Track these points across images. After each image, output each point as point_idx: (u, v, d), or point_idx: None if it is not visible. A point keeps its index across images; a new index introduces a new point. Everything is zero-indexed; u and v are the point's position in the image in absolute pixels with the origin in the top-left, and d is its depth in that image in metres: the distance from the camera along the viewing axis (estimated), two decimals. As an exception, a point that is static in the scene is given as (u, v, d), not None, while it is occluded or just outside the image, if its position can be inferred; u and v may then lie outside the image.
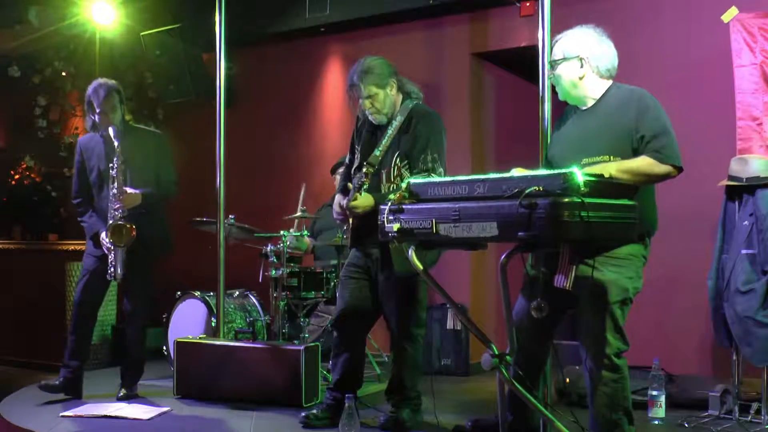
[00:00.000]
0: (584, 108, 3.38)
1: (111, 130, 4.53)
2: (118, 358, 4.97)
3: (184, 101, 7.14)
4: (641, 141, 3.14)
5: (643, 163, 3.08)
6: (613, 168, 3.01)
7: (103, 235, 4.53)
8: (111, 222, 4.46)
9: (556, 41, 3.41)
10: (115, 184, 4.49)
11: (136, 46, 7.10)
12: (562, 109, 3.54)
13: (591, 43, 3.33)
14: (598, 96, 3.34)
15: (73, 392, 4.62)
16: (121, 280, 4.53)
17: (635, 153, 3.15)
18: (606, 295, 3.09)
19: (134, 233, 4.44)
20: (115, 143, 4.49)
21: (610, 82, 3.36)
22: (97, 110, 4.60)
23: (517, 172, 2.98)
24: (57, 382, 4.61)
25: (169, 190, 4.77)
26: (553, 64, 3.38)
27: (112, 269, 4.49)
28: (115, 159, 4.50)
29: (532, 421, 3.49)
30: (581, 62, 3.30)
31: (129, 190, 4.51)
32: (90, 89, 4.66)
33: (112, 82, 4.70)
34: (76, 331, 4.67)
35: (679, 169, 3.14)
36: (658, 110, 3.20)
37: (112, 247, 4.47)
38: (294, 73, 6.99)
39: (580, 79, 3.32)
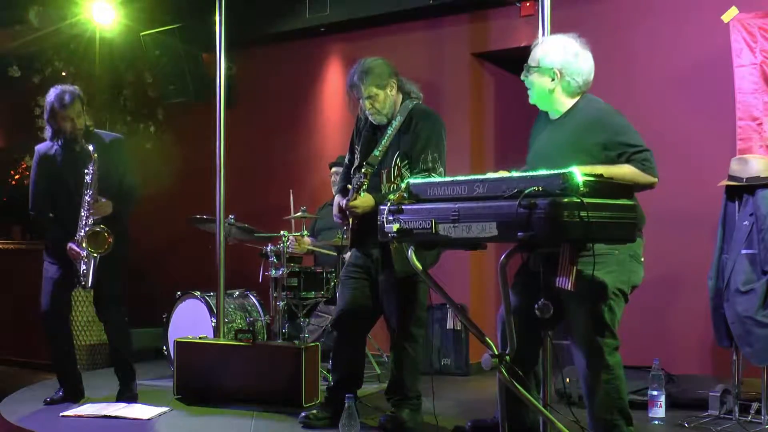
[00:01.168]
0: (554, 118, 3.40)
1: (80, 137, 4.42)
2: (112, 362, 4.94)
3: (184, 101, 7.14)
4: (622, 155, 3.15)
5: (629, 171, 3.11)
6: (599, 171, 3.01)
7: (71, 244, 4.38)
8: (87, 229, 4.36)
9: (536, 44, 3.40)
10: (90, 191, 4.37)
11: (136, 46, 7.09)
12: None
13: (569, 58, 3.30)
14: (565, 109, 3.35)
15: (77, 397, 4.61)
16: (93, 292, 4.47)
17: None
18: (587, 294, 3.09)
19: (111, 240, 4.34)
20: (90, 148, 4.37)
21: (580, 96, 3.36)
22: (63, 116, 4.42)
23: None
24: (60, 395, 4.59)
25: (132, 195, 4.65)
26: (528, 69, 3.36)
27: (83, 278, 4.37)
28: (90, 165, 4.38)
29: (528, 421, 3.50)
30: (554, 76, 3.30)
31: (103, 199, 4.40)
32: (52, 96, 4.47)
33: (74, 87, 4.54)
34: (56, 344, 4.59)
35: (656, 182, 3.18)
36: (629, 128, 3.24)
37: (85, 255, 4.35)
38: (294, 73, 6.98)
39: (550, 92, 3.33)
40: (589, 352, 3.16)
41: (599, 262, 3.09)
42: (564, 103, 3.35)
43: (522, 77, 3.44)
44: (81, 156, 4.44)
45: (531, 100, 3.43)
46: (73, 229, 4.40)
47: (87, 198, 4.39)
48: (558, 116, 3.38)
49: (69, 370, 4.66)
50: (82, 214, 4.39)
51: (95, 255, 4.36)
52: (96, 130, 4.67)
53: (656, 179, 3.16)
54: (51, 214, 4.55)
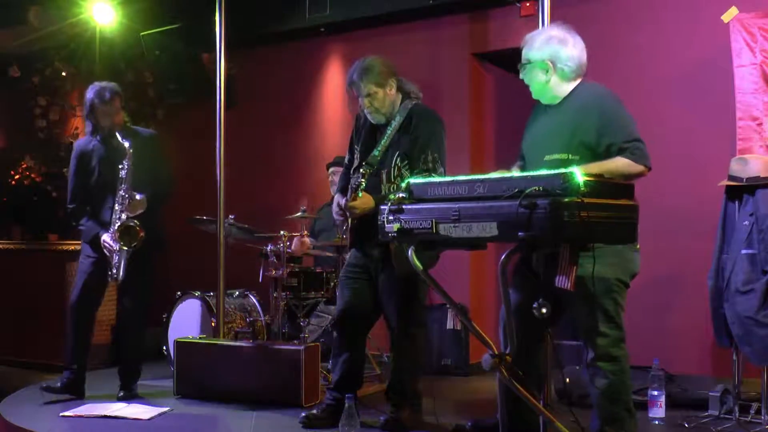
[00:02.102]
0: (552, 105, 3.44)
1: (118, 134, 4.55)
2: (117, 358, 4.96)
3: (184, 101, 7.13)
4: (612, 146, 3.18)
5: (621, 163, 3.15)
6: (594, 168, 3.03)
7: (105, 237, 4.51)
8: (120, 223, 4.47)
9: (524, 43, 3.44)
10: (124, 186, 4.50)
11: (136, 46, 7.09)
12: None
13: (554, 46, 3.36)
14: (565, 95, 3.40)
15: (76, 392, 4.63)
16: (121, 282, 4.54)
17: (592, 157, 3.19)
18: (589, 289, 3.10)
19: (142, 234, 4.46)
20: (126, 144, 4.50)
21: (578, 80, 3.40)
22: (103, 112, 4.57)
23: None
24: (59, 384, 4.61)
25: (166, 189, 4.79)
26: (524, 66, 3.42)
27: (114, 270, 4.49)
28: (125, 161, 4.51)
29: (528, 421, 3.49)
30: (546, 67, 3.35)
31: (137, 196, 4.52)
32: (92, 92, 4.62)
33: (114, 84, 4.69)
34: (75, 334, 4.67)
35: (650, 169, 3.22)
36: (624, 114, 3.28)
37: (117, 248, 4.47)
38: (294, 73, 6.98)
39: (546, 83, 3.37)
40: (594, 346, 3.19)
41: (597, 256, 3.10)
42: (562, 90, 3.39)
43: (521, 76, 3.48)
44: (118, 151, 4.56)
45: (534, 96, 3.48)
46: (107, 223, 4.54)
47: (121, 192, 4.51)
48: (556, 102, 3.42)
49: (79, 366, 4.69)
50: (116, 208, 4.51)
51: (126, 249, 4.46)
52: (133, 126, 4.83)
53: (645, 168, 3.19)
54: (88, 208, 4.68)
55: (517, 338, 3.08)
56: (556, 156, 3.25)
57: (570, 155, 3.22)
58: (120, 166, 4.52)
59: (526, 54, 3.41)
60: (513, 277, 3.43)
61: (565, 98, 3.39)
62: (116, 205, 4.51)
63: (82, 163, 4.71)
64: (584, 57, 3.39)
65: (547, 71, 3.35)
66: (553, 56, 3.34)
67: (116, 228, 4.47)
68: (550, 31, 3.41)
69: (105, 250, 4.53)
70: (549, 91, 3.40)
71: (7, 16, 6.70)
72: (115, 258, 4.49)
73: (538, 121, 3.49)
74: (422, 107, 4.01)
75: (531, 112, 3.61)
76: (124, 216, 4.48)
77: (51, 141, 7.60)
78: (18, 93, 7.67)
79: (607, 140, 3.19)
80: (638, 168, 3.17)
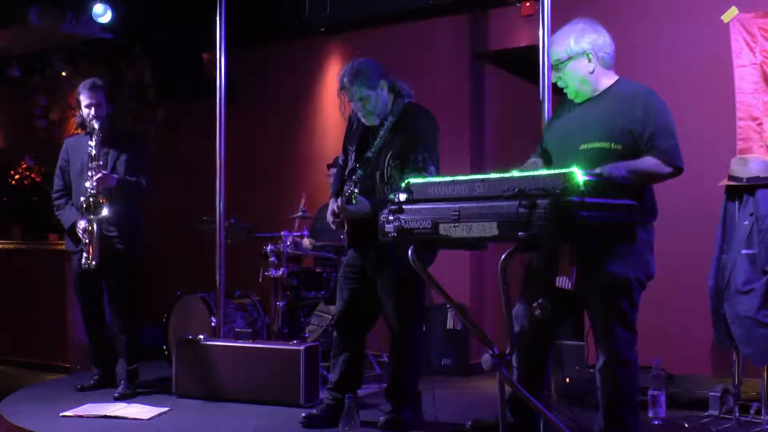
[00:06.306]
0: (588, 98, 3.39)
1: (95, 123, 4.67)
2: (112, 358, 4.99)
3: (184, 101, 7.13)
4: (648, 140, 3.17)
5: (651, 164, 3.14)
6: (623, 169, 3.03)
7: (80, 223, 4.62)
8: (85, 197, 4.60)
9: (553, 42, 3.41)
10: (93, 163, 4.60)
11: (136, 46, 7.09)
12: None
13: (591, 35, 3.34)
14: (604, 88, 3.35)
15: (109, 382, 4.83)
16: (107, 284, 4.66)
17: (635, 146, 3.18)
18: (608, 289, 3.11)
19: (106, 203, 4.55)
20: (96, 125, 4.64)
21: (614, 74, 3.38)
22: (83, 107, 4.73)
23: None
24: (91, 382, 4.84)
25: (143, 187, 4.81)
26: (559, 66, 3.35)
27: (86, 255, 4.59)
28: (100, 144, 4.63)
29: (535, 423, 3.50)
30: (588, 57, 3.31)
31: (105, 172, 4.63)
32: (79, 86, 4.79)
33: (98, 80, 4.81)
34: (89, 335, 4.93)
35: (681, 171, 3.20)
36: (666, 112, 3.24)
37: (86, 226, 4.58)
38: (294, 73, 6.98)
39: (591, 73, 3.32)
40: (607, 348, 3.18)
41: (619, 257, 3.10)
42: (602, 81, 3.35)
43: (554, 80, 3.43)
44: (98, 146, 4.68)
45: (570, 96, 3.42)
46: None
47: (90, 173, 4.61)
48: (595, 95, 3.37)
49: (104, 358, 4.89)
50: (88, 185, 4.61)
51: (94, 217, 4.56)
52: (120, 129, 5.03)
53: (674, 169, 3.17)
54: (69, 199, 4.83)
55: (529, 342, 3.08)
56: (595, 145, 3.21)
57: (612, 144, 3.19)
58: (91, 152, 4.63)
59: (560, 53, 3.34)
60: (523, 285, 3.42)
61: (606, 90, 3.34)
62: (89, 183, 4.62)
63: (68, 159, 4.87)
64: (614, 46, 3.38)
65: (590, 60, 3.31)
66: (594, 45, 3.31)
67: (82, 200, 4.60)
68: (578, 24, 3.37)
69: (80, 236, 4.64)
70: (591, 84, 3.33)
71: (7, 16, 6.70)
72: (86, 239, 4.59)
73: (570, 112, 3.42)
74: (414, 106, 3.97)
75: (555, 110, 3.57)
76: (92, 191, 4.60)
77: (51, 141, 7.61)
78: (18, 93, 7.68)
79: (648, 132, 3.17)
80: (666, 169, 3.16)
